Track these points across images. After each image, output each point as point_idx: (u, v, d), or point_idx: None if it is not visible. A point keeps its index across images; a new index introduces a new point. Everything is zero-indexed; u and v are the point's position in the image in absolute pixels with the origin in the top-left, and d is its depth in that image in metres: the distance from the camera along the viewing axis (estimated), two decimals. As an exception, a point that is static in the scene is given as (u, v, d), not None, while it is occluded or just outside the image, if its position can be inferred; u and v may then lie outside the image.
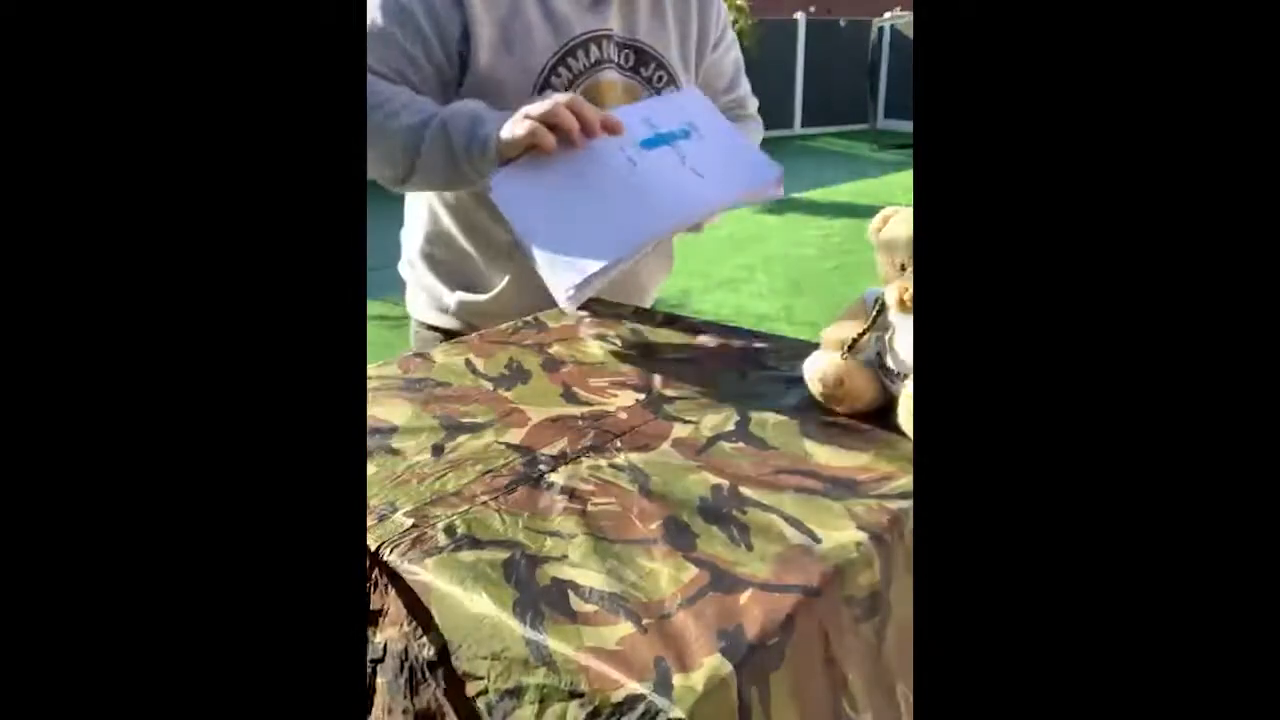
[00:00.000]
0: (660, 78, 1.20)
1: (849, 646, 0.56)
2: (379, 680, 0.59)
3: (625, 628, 0.51)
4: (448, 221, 1.24)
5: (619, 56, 1.16)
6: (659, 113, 1.06)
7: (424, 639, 0.56)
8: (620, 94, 1.18)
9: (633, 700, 0.46)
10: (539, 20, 1.09)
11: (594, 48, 1.13)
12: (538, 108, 0.95)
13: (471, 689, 0.53)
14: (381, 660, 0.59)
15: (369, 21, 1.06)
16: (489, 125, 0.99)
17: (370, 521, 0.63)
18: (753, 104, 1.39)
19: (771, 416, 0.81)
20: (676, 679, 0.47)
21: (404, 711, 0.57)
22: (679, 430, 0.78)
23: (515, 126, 0.96)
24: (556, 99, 0.96)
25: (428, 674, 0.56)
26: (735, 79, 1.34)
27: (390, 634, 0.58)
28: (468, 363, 0.97)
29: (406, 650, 0.57)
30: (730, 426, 0.79)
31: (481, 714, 0.53)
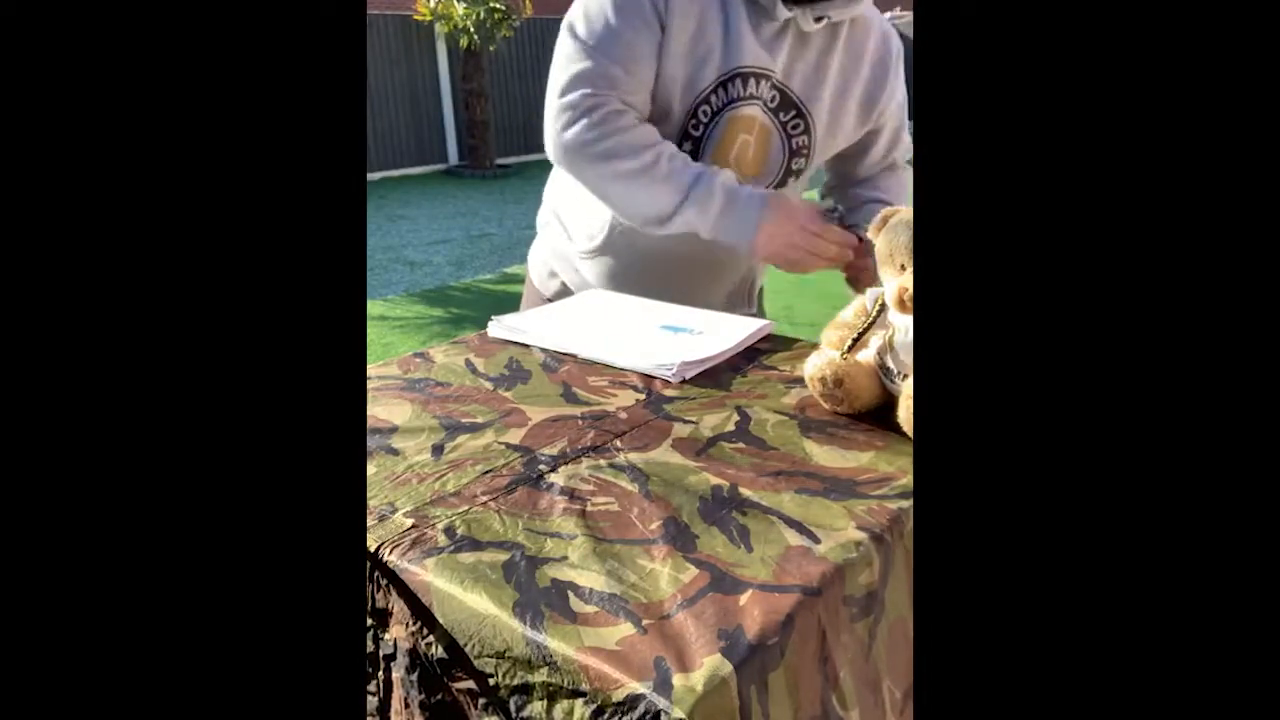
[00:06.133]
0: (797, 125, 1.21)
1: (843, 644, 0.56)
2: (394, 676, 0.59)
3: (625, 628, 0.51)
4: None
5: (768, 95, 1.18)
6: (679, 318, 1.09)
7: (430, 638, 0.56)
8: (757, 129, 1.19)
9: (633, 700, 0.46)
10: (718, 42, 1.13)
11: (752, 81, 1.15)
12: (808, 241, 1.10)
13: (483, 685, 0.53)
14: (394, 657, 0.59)
15: (605, 22, 1.09)
16: (739, 231, 1.12)
17: (370, 522, 0.63)
18: (905, 157, 1.37)
19: (771, 416, 0.81)
20: (676, 679, 0.47)
21: (421, 705, 0.57)
22: (679, 430, 0.78)
23: (774, 253, 1.12)
24: (829, 238, 1.10)
25: (439, 671, 0.56)
26: (891, 145, 1.33)
27: (398, 633, 0.58)
28: (468, 363, 0.97)
29: (415, 648, 0.57)
30: (730, 426, 0.79)
31: (495, 709, 0.53)
